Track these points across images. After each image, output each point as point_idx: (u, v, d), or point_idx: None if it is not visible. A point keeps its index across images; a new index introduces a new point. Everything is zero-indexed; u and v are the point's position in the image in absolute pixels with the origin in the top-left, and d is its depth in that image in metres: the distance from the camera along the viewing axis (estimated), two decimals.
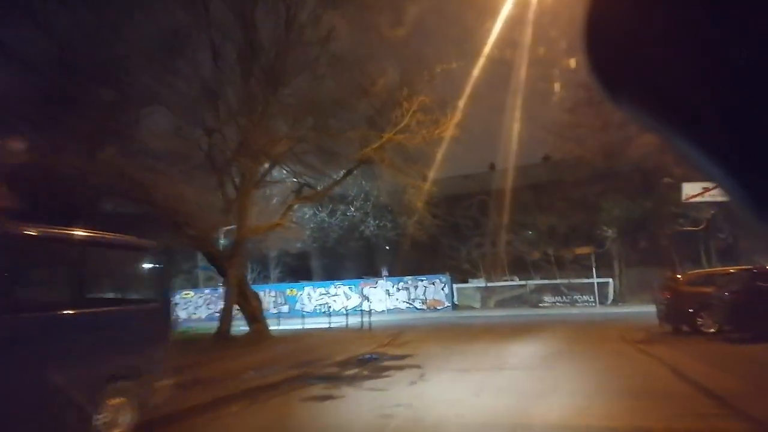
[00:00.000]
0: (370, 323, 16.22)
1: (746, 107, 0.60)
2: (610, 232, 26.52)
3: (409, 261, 33.38)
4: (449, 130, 12.60)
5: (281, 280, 36.04)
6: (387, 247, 32.48)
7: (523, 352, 9.98)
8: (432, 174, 14.26)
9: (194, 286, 32.88)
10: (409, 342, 12.57)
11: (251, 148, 12.56)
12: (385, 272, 29.88)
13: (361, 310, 17.59)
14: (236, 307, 13.96)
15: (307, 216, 21.56)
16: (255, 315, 13.61)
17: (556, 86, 16.53)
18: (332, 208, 22.25)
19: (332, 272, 35.86)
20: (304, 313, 29.30)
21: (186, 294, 32.66)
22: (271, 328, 14.24)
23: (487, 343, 11.82)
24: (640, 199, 25.30)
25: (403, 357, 9.77)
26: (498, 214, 30.50)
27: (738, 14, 0.58)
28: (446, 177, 34.59)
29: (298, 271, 38.38)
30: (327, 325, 17.85)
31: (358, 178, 19.34)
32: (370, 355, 10.42)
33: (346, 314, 18.35)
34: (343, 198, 20.92)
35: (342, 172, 16.92)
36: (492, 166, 36.52)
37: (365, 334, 14.90)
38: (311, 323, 19.14)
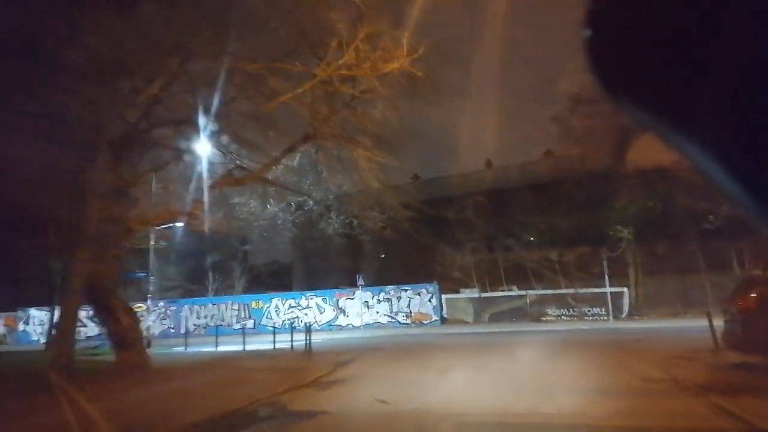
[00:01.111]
0: (310, 346, 11.98)
1: (746, 107, 0.60)
2: (625, 232, 22.29)
3: (392, 268, 29.40)
4: (403, 63, 8.39)
5: (248, 290, 31.75)
6: (365, 251, 28.31)
7: (507, 413, 5.68)
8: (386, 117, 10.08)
9: (147, 297, 28.48)
10: (342, 381, 8.23)
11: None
12: (360, 281, 25.53)
13: (305, 328, 13.33)
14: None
15: (252, 207, 17.27)
16: (125, 338, 9.17)
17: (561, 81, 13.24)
18: (288, 201, 17.98)
19: (310, 282, 31.77)
20: (272, 328, 25.18)
21: (138, 307, 28.41)
22: (204, 349, 10.26)
23: (458, 385, 7.52)
24: (656, 195, 21.44)
25: (297, 418, 5.45)
26: (495, 215, 27.43)
27: (737, 14, 0.57)
28: (438, 176, 31.29)
29: (269, 281, 34.17)
30: (271, 347, 14.03)
31: (319, 165, 15.77)
32: (254, 411, 6.12)
33: (291, 332, 14.15)
34: (298, 188, 16.76)
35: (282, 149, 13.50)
36: (489, 163, 33.61)
37: (297, 363, 10.61)
38: (258, 342, 15.57)
